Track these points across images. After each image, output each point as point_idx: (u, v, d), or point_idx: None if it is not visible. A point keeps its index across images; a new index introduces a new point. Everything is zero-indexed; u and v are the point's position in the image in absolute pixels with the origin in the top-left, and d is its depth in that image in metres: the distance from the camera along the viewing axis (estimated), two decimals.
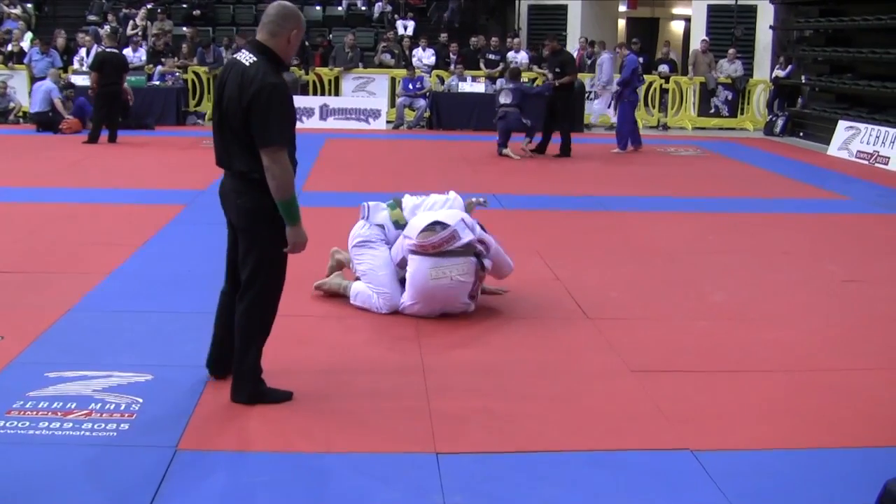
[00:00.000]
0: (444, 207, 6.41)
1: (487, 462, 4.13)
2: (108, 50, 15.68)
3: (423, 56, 19.86)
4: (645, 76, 18.18)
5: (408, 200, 6.55)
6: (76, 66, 18.07)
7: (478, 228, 6.25)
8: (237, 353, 4.67)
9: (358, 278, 6.42)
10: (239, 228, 4.60)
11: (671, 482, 4.00)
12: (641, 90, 17.85)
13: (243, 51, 4.53)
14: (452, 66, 19.69)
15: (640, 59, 16.92)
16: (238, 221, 4.59)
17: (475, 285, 6.21)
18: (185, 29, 21.23)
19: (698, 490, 3.92)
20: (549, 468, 4.09)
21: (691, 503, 3.83)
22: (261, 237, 4.53)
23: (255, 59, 4.42)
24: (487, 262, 6.20)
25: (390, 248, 6.31)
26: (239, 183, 4.50)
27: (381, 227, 6.41)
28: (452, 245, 6.01)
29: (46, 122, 16.59)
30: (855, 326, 6.26)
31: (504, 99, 14.68)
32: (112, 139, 15.17)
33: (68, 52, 19.24)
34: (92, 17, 22.28)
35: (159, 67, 18.76)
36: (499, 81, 18.02)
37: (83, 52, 18.51)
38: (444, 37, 20.83)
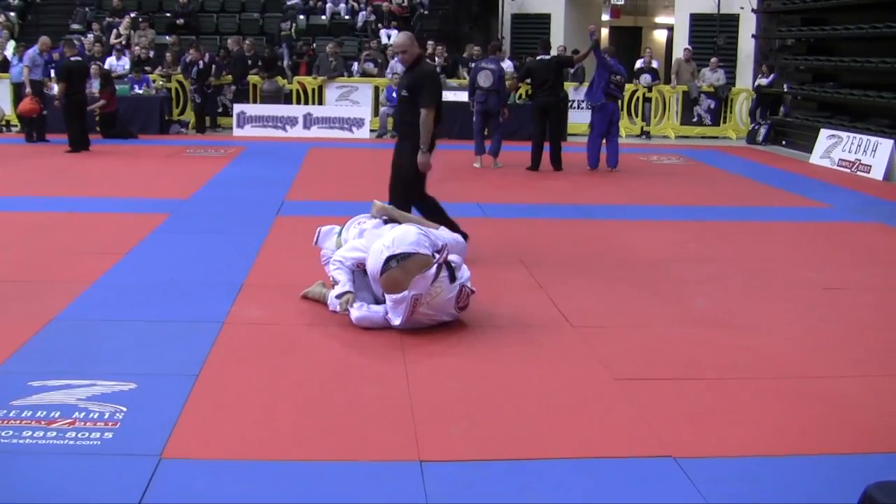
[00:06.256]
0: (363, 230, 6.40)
1: (471, 470, 4.14)
2: (72, 59, 15.64)
3: None
4: (627, 85, 17.47)
5: (348, 231, 6.52)
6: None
7: (430, 236, 6.13)
8: None
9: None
10: None
11: (654, 489, 4.02)
12: (623, 101, 17.84)
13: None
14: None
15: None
16: None
17: (460, 297, 6.05)
18: (167, 38, 21.20)
19: (681, 497, 3.94)
20: (532, 476, 4.10)
21: None
22: None
23: None
24: (460, 274, 6.02)
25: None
26: None
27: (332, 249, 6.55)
28: (433, 279, 5.87)
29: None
30: (836, 334, 6.31)
31: (484, 81, 14.12)
32: (85, 147, 15.33)
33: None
34: (75, 26, 22.20)
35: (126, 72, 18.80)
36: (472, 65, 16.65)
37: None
38: (430, 44, 20.74)
